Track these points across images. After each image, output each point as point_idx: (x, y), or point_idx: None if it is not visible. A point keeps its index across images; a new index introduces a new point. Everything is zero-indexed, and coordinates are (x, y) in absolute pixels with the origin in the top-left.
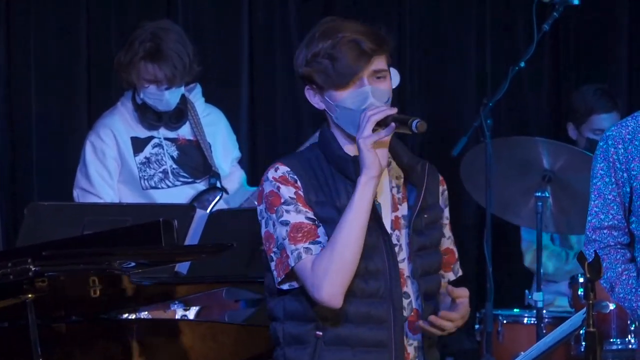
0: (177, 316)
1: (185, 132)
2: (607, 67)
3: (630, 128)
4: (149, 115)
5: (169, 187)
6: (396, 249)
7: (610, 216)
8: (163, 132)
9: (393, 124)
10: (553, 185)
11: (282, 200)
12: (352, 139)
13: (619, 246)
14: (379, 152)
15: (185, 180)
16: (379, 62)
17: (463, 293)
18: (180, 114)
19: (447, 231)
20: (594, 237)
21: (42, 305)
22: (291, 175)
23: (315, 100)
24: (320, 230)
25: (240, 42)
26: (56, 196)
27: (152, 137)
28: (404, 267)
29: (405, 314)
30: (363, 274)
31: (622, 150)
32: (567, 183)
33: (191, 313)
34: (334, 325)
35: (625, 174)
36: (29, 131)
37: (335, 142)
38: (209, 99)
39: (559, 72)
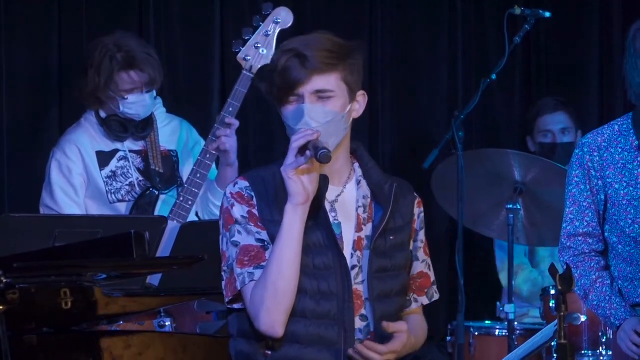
0: (155, 327)
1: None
2: (578, 79)
3: (605, 136)
4: (114, 127)
5: (136, 199)
6: (356, 270)
7: (585, 223)
8: (128, 144)
9: (308, 152)
10: (524, 198)
11: (234, 219)
12: None
13: (593, 253)
14: (307, 177)
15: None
16: (322, 81)
17: (399, 327)
18: (146, 123)
19: (421, 254)
20: (568, 243)
21: (13, 316)
22: (248, 191)
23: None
24: (269, 253)
25: (211, 58)
26: (27, 208)
27: (117, 150)
28: (362, 289)
29: (361, 336)
30: (314, 294)
31: (597, 158)
32: (538, 195)
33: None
34: (282, 345)
35: (599, 182)
36: (0, 143)
37: None
38: (180, 115)
39: (530, 85)
